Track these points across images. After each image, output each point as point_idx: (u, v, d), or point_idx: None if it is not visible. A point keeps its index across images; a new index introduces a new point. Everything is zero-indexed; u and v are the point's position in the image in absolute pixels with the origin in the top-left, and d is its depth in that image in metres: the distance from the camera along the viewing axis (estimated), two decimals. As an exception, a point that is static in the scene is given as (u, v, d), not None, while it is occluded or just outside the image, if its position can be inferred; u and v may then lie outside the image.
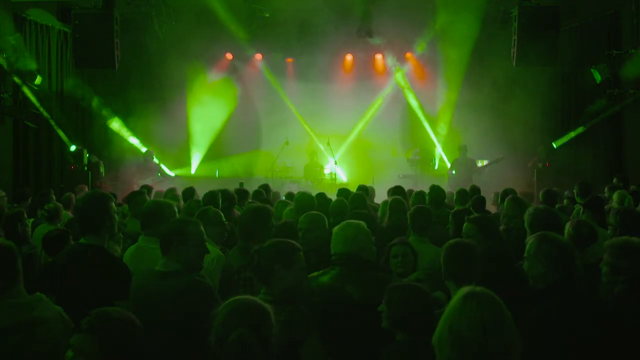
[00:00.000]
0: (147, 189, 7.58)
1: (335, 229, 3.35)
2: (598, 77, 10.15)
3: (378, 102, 14.33)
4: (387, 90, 14.28)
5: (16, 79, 10.05)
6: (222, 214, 4.10)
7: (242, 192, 6.82)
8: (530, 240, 2.88)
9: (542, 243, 2.80)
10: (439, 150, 13.69)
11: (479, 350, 1.83)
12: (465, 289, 1.96)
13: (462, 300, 1.92)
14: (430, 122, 13.84)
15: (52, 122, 10.97)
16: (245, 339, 1.91)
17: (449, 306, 1.96)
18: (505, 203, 5.17)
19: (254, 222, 3.51)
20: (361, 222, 3.43)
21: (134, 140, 12.86)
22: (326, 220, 4.14)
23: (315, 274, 3.26)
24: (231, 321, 1.97)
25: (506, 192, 6.33)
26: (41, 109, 10.65)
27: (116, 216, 3.27)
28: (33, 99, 10.47)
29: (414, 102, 14.02)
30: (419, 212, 4.45)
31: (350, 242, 3.22)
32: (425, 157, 12.99)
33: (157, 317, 2.87)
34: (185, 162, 13.97)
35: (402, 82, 14.06)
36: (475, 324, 1.85)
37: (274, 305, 2.59)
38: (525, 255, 2.86)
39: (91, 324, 1.95)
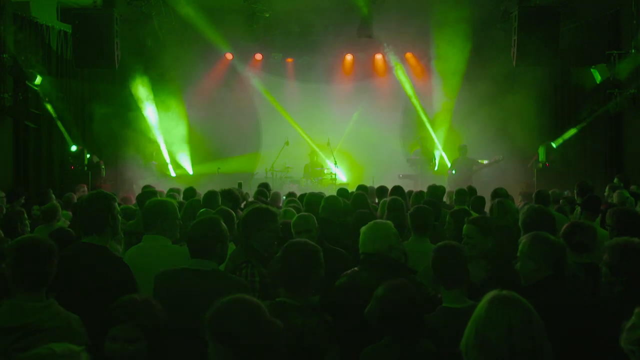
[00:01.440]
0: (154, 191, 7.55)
1: (364, 228, 3.38)
2: (598, 77, 10.16)
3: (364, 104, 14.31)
4: (366, 94, 14.27)
5: (30, 82, 10.06)
6: (235, 214, 4.22)
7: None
8: (523, 239, 2.92)
9: (533, 242, 2.85)
10: (439, 151, 13.65)
11: (508, 355, 1.81)
12: (491, 293, 1.93)
13: (487, 304, 1.89)
14: (430, 122, 13.82)
15: (59, 123, 11.00)
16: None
17: (475, 311, 1.93)
18: (492, 207, 5.17)
19: (255, 222, 3.53)
20: (388, 221, 3.48)
21: (134, 140, 12.86)
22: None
23: (346, 275, 3.27)
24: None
25: (497, 193, 6.24)
26: (50, 109, 10.69)
27: (119, 216, 3.27)
28: (47, 104, 10.52)
29: (414, 101, 13.98)
30: (418, 212, 4.43)
31: (380, 241, 3.27)
32: (425, 157, 12.96)
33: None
34: (186, 161, 13.97)
35: (403, 78, 13.99)
36: (502, 328, 1.82)
37: (298, 311, 2.59)
38: (518, 254, 2.89)
39: (129, 312, 2.05)
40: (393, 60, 13.74)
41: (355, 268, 3.30)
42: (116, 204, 3.26)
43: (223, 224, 3.13)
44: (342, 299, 3.03)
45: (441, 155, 13.57)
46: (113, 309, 2.09)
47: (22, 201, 7.49)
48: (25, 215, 5.35)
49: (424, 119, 13.81)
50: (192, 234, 3.09)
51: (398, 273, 3.19)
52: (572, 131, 11.38)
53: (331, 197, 5.46)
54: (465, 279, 2.85)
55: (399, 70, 13.94)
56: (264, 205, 3.76)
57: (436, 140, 13.60)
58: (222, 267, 3.51)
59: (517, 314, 1.85)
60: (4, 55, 9.71)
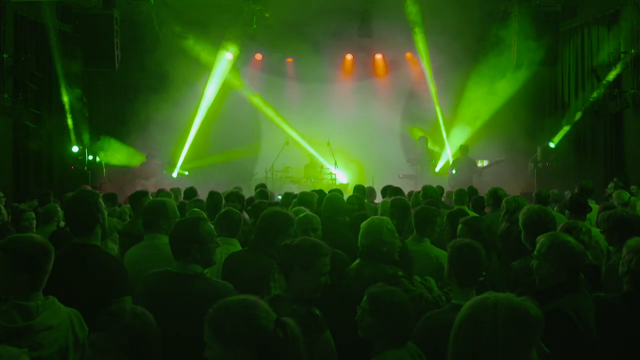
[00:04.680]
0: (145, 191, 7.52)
1: (362, 224, 3.52)
2: (603, 75, 10.12)
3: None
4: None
5: (32, 83, 10.10)
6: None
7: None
8: (540, 239, 2.88)
9: (553, 243, 2.81)
10: (446, 151, 13.48)
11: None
12: (474, 299, 1.87)
13: (465, 309, 1.83)
14: (444, 119, 13.59)
15: (70, 123, 11.03)
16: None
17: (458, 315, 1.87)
18: (504, 203, 5.16)
19: (274, 227, 3.54)
20: (385, 218, 3.68)
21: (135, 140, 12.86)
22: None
23: (351, 270, 3.43)
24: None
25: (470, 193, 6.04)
26: (67, 108, 10.74)
27: (105, 212, 3.24)
28: (66, 104, 10.57)
29: (432, 90, 13.45)
30: (422, 212, 4.39)
31: (371, 236, 3.45)
32: (427, 157, 12.89)
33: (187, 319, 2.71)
34: (186, 161, 13.95)
35: (423, 54, 13.04)
36: (463, 333, 1.78)
37: (289, 302, 2.61)
38: (535, 254, 2.87)
39: (109, 322, 2.04)
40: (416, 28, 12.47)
41: (358, 261, 3.46)
42: (100, 199, 3.21)
43: (203, 225, 3.01)
44: (351, 290, 3.10)
45: (447, 155, 13.35)
46: (98, 315, 2.08)
47: (36, 203, 7.45)
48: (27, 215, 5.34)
49: (439, 114, 13.45)
50: (171, 236, 3.03)
51: (387, 265, 3.34)
52: (566, 127, 11.38)
53: (334, 195, 5.44)
54: (478, 278, 2.86)
55: (420, 43, 12.79)
56: (282, 210, 3.75)
57: (446, 140, 13.39)
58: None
59: (484, 320, 1.75)
60: (4, 55, 9.71)
